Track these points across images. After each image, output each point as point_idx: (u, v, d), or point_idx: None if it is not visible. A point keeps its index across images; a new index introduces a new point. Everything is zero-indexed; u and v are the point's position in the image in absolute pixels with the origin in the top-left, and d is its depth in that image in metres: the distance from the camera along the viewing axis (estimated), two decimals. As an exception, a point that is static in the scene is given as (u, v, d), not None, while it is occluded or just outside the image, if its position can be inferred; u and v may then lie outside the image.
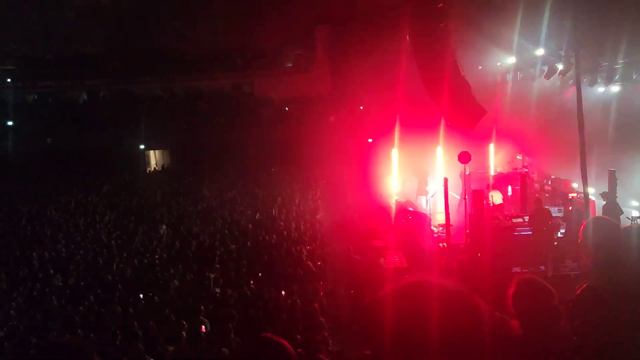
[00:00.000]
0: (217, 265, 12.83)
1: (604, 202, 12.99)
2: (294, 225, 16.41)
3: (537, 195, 15.13)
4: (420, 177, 18.88)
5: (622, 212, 12.69)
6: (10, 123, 31.58)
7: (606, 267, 3.06)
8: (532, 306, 2.79)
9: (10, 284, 12.67)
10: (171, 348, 8.27)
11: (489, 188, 16.12)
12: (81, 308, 10.63)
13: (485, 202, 13.94)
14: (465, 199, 14.31)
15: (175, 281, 11.70)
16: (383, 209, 17.73)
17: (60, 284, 12.18)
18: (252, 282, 11.64)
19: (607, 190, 13.11)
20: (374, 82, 23.43)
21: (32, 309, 11.00)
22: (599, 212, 13.05)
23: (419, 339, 1.25)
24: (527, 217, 12.79)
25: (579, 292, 3.13)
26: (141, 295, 11.19)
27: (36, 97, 34.30)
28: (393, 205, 17.06)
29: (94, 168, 27.55)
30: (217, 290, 11.22)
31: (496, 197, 15.59)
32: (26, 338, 9.18)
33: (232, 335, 8.71)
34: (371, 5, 26.49)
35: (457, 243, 13.20)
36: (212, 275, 12.00)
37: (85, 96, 34.42)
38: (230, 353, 7.95)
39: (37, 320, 10.36)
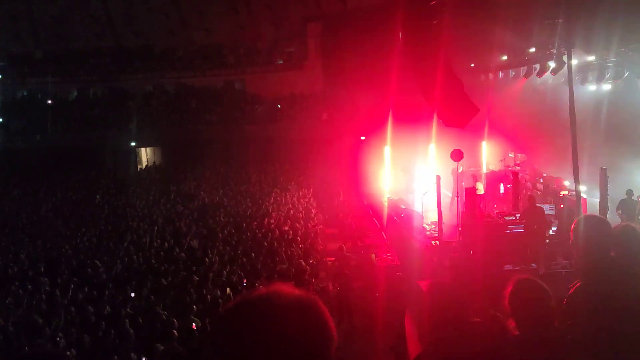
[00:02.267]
0: (209, 264, 12.75)
1: (624, 197, 13.10)
2: (286, 223, 16.35)
3: (530, 193, 15.16)
4: (408, 175, 18.90)
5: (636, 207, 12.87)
6: (-1, 120, 31.28)
7: (598, 265, 3.04)
8: (529, 307, 2.76)
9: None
10: (161, 346, 8.20)
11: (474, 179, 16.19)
12: (72, 307, 10.52)
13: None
14: (457, 196, 14.32)
15: (164, 280, 11.60)
16: (375, 207, 17.73)
17: (47, 288, 12.02)
18: (245, 280, 11.58)
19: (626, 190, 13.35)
20: (366, 79, 23.41)
21: (21, 307, 10.87)
22: (593, 210, 13.11)
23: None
24: (519, 215, 12.82)
25: (572, 290, 3.11)
26: (132, 294, 11.11)
27: (25, 94, 33.93)
28: (385, 203, 17.06)
29: (84, 165, 27.33)
30: (209, 288, 11.14)
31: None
32: (14, 338, 9.07)
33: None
34: (363, 2, 26.48)
35: (449, 241, 13.21)
36: (204, 274, 11.92)
37: (75, 93, 34.12)
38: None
39: (26, 319, 10.24)
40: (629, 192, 13.25)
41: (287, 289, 1.29)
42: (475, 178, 16.46)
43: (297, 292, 1.29)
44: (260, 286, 1.33)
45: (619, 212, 12.85)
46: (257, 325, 1.21)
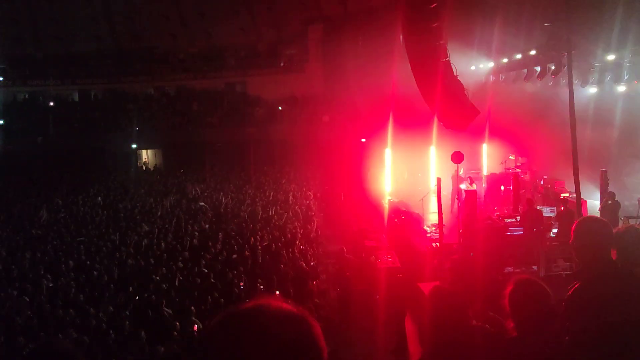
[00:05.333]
0: (209, 266, 12.75)
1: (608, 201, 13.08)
2: (287, 225, 16.36)
3: (529, 196, 15.19)
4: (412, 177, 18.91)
5: (619, 208, 12.84)
6: (0, 122, 31.31)
7: (597, 266, 3.05)
8: (528, 307, 2.77)
9: (0, 284, 12.53)
10: (162, 348, 8.20)
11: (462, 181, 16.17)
12: (72, 309, 10.51)
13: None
14: (457, 199, 14.33)
15: (165, 282, 11.60)
16: (376, 209, 17.72)
17: (51, 285, 12.04)
18: (241, 283, 11.58)
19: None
20: (367, 81, 23.44)
21: (23, 309, 10.86)
22: (591, 211, 13.12)
23: None
24: (519, 217, 12.84)
25: (571, 292, 3.12)
26: (134, 296, 11.11)
27: (27, 96, 34.00)
28: (386, 205, 17.06)
29: (85, 168, 27.36)
30: (209, 290, 11.14)
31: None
32: (16, 339, 9.07)
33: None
34: (364, 5, 26.53)
35: (449, 243, 13.21)
36: (204, 276, 11.92)
37: (76, 95, 34.18)
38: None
39: (28, 321, 10.24)
40: (611, 195, 13.14)
41: (276, 302, 1.24)
42: (460, 180, 16.29)
43: (286, 306, 1.24)
44: (252, 298, 1.28)
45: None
46: (245, 340, 1.16)
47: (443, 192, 14.46)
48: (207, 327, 1.24)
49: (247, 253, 13.64)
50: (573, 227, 3.22)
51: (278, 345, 1.16)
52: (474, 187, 15.55)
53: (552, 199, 15.77)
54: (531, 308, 2.77)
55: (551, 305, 2.80)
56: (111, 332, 9.11)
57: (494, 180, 17.74)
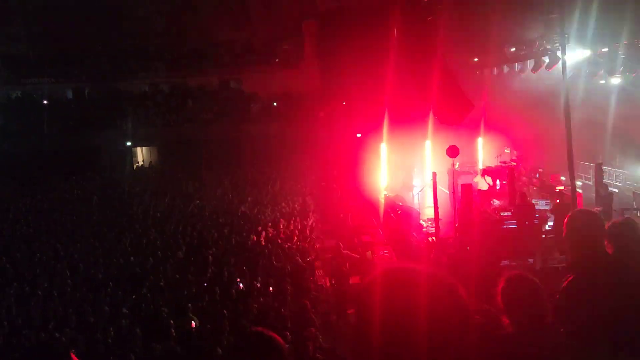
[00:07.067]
0: (206, 263, 12.74)
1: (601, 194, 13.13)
2: (283, 221, 16.35)
3: (521, 189, 15.23)
4: (406, 172, 18.91)
5: (612, 200, 12.89)
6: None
7: (591, 259, 3.06)
8: (521, 303, 2.77)
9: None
10: (158, 346, 8.19)
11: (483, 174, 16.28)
12: (70, 308, 10.50)
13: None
14: (454, 193, 14.32)
15: (162, 280, 11.59)
16: (372, 204, 17.75)
17: (46, 284, 12.02)
18: (239, 279, 11.58)
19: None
20: (362, 76, 23.41)
21: (19, 309, 10.84)
22: (587, 204, 13.16)
23: (406, 328, 1.26)
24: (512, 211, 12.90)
25: (565, 284, 3.12)
26: (131, 294, 11.10)
27: (20, 94, 33.79)
28: (382, 200, 17.07)
29: (80, 166, 27.24)
30: (206, 288, 11.14)
31: (482, 184, 15.71)
32: (12, 338, 9.05)
33: (223, 333, 8.66)
34: (359, 0, 26.46)
35: (446, 237, 13.23)
36: (201, 273, 11.92)
37: (70, 93, 34.00)
38: (222, 350, 7.88)
39: (25, 320, 10.23)
40: (605, 187, 13.20)
41: (425, 266, 1.37)
42: (485, 172, 16.43)
43: (435, 270, 1.37)
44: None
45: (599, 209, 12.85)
46: (404, 294, 1.28)
47: (439, 186, 14.48)
48: (366, 282, 1.36)
49: (243, 250, 13.64)
50: (565, 220, 3.23)
51: (435, 300, 1.28)
52: (487, 179, 15.62)
53: (547, 192, 15.80)
54: (524, 304, 2.77)
55: (544, 299, 2.80)
56: (110, 329, 9.10)
57: (489, 174, 17.77)
